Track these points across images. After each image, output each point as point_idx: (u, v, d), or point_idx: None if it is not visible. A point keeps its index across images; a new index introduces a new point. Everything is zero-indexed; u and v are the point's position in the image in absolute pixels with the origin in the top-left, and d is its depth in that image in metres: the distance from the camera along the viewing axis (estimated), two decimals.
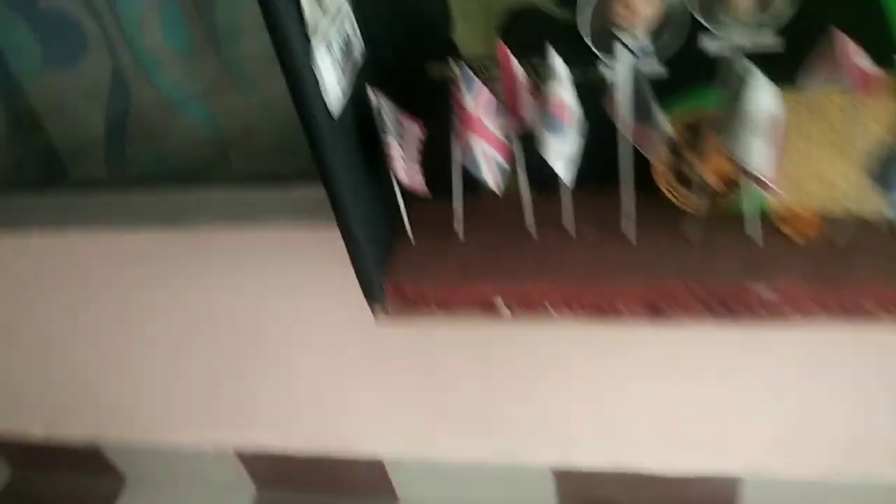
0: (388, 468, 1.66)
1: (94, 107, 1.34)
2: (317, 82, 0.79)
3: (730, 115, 0.81)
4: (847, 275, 0.89)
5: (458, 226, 1.03)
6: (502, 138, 0.89)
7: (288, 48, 0.74)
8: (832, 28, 0.81)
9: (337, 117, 0.82)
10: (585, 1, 0.85)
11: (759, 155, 0.80)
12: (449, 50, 0.94)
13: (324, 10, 0.80)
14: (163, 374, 1.55)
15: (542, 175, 0.91)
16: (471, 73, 0.84)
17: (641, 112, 0.85)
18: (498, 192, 0.91)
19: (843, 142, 0.91)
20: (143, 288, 1.39)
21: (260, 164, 1.30)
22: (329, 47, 0.81)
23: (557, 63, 0.82)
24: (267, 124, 1.28)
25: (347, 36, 0.87)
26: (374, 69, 0.96)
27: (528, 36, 0.92)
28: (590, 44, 0.89)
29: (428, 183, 0.96)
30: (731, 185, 0.95)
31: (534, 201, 0.98)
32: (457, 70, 0.85)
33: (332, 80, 0.81)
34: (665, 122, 0.86)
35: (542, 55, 0.93)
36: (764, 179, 0.81)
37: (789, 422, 1.33)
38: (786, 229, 0.95)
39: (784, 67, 0.87)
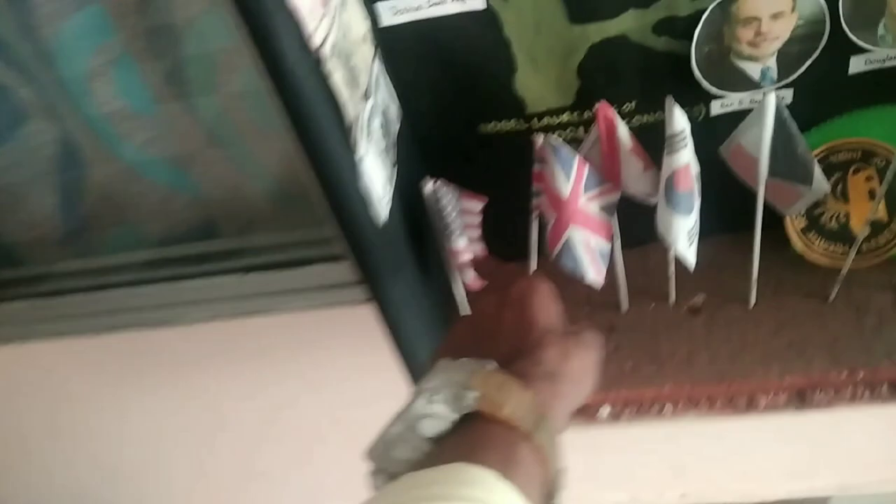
0: None
1: (43, 184, 1.09)
2: (363, 197, 0.56)
3: None
4: None
5: None
6: (604, 218, 0.67)
7: (329, 165, 0.52)
8: None
9: (384, 226, 0.60)
10: (705, 26, 0.63)
11: None
12: (508, 104, 0.71)
13: (358, 88, 0.57)
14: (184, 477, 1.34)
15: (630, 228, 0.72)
16: (565, 148, 0.62)
17: (786, 167, 0.64)
18: (601, 285, 0.70)
19: None
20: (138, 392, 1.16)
21: (258, 234, 1.07)
22: (370, 137, 0.58)
23: (678, 117, 0.60)
24: (261, 187, 1.04)
25: (386, 107, 0.64)
26: (411, 128, 0.73)
27: (616, 76, 0.69)
28: (702, 80, 0.67)
29: (496, 249, 0.75)
30: (881, 229, 0.75)
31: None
32: (543, 142, 0.62)
33: (379, 181, 0.59)
34: (822, 179, 0.65)
35: (638, 98, 0.71)
36: None
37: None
38: None
39: None
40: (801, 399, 0.76)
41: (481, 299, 0.49)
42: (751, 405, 0.76)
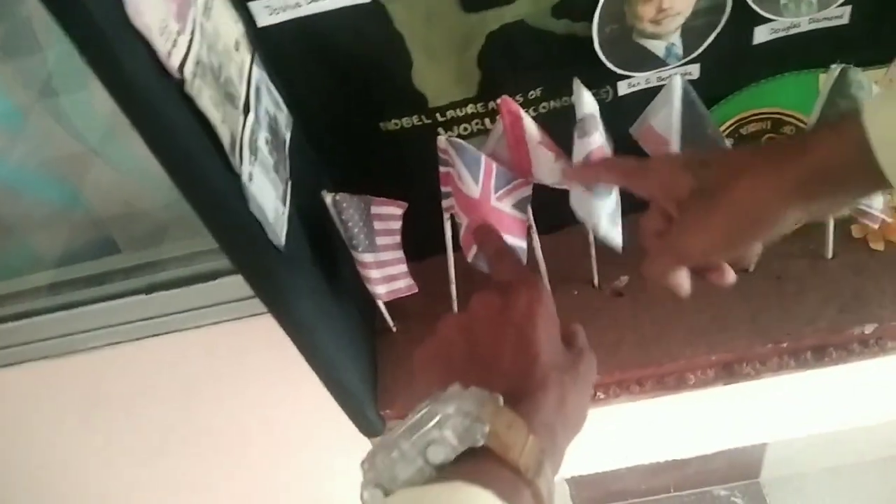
0: None
1: None
2: (256, 222, 0.51)
3: None
4: None
5: (454, 305, 0.79)
6: (518, 215, 0.64)
7: (207, 194, 0.46)
8: None
9: (284, 246, 0.55)
10: (605, 6, 0.60)
11: None
12: (408, 99, 0.67)
13: (235, 103, 0.51)
14: None
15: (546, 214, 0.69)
16: (470, 148, 0.58)
17: (697, 146, 0.62)
18: None
19: None
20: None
21: (159, 248, 0.99)
22: (256, 155, 0.53)
23: (587, 100, 0.57)
24: (152, 195, 0.97)
25: (273, 118, 0.59)
26: (305, 135, 0.68)
27: (519, 63, 0.66)
28: (606, 61, 0.64)
29: (411, 248, 0.72)
30: None
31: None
32: (446, 143, 0.58)
33: (270, 201, 0.54)
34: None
35: (544, 84, 0.68)
36: (876, 214, 0.61)
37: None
38: (860, 235, 0.76)
39: (864, 44, 0.66)
40: (729, 373, 0.76)
41: (480, 304, 0.45)
42: (680, 383, 0.76)
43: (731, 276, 0.50)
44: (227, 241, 0.50)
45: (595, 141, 0.58)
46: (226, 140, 0.48)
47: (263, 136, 0.55)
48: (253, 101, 0.55)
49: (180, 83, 0.43)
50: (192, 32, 0.46)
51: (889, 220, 0.63)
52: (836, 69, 0.56)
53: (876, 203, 0.61)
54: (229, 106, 0.50)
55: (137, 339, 0.91)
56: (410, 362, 0.77)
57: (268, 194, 0.53)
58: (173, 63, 0.43)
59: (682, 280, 0.49)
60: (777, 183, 0.40)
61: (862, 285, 0.74)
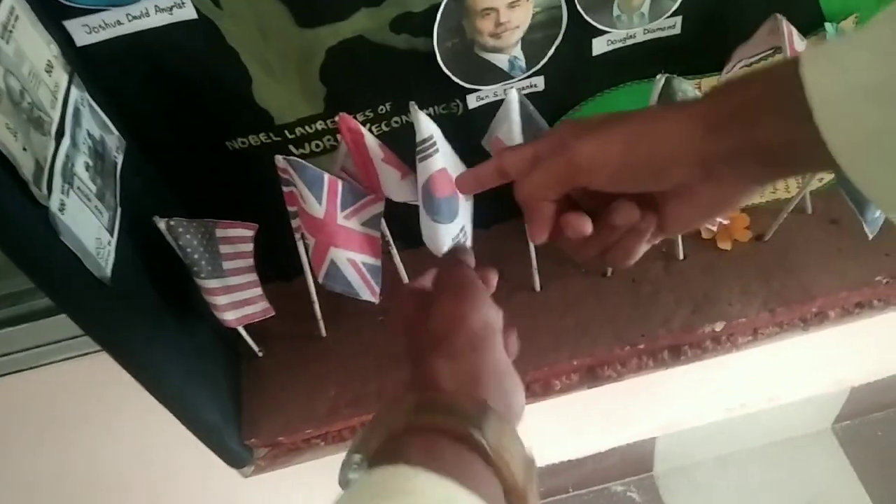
0: None
1: None
2: (71, 254, 0.48)
3: None
4: (794, 283, 0.76)
5: (320, 324, 0.78)
6: (368, 231, 0.63)
7: (5, 227, 0.43)
8: (758, 9, 0.64)
9: (112, 278, 0.52)
10: (443, 21, 0.60)
11: None
12: (252, 117, 0.65)
13: (43, 128, 0.48)
14: None
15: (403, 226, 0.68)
16: (309, 168, 0.57)
17: None
18: (377, 301, 0.66)
19: None
20: None
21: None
22: (71, 181, 0.50)
23: (424, 123, 0.57)
24: None
25: (97, 141, 0.56)
26: (146, 158, 0.65)
27: (363, 79, 0.65)
28: (451, 75, 0.65)
29: (268, 269, 0.70)
30: None
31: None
32: (285, 164, 0.57)
33: (90, 229, 0.51)
34: None
35: (392, 98, 0.67)
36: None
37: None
38: (709, 236, 0.80)
39: (693, 52, 0.69)
40: (593, 377, 0.77)
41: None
42: (547, 390, 0.77)
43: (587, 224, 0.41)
44: (38, 276, 0.47)
45: (436, 163, 0.57)
46: (27, 169, 0.45)
47: (82, 161, 0.52)
48: (69, 125, 0.52)
49: None
50: None
51: (725, 222, 0.66)
52: (661, 79, 0.59)
53: None
54: (35, 132, 0.47)
55: None
56: (278, 387, 0.75)
57: (87, 223, 0.50)
58: None
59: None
60: (684, 114, 0.35)
61: (712, 284, 0.77)
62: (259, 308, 0.67)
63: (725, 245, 0.79)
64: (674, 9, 0.65)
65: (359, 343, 0.78)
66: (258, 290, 0.68)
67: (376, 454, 0.35)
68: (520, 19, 0.63)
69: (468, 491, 0.31)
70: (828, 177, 0.79)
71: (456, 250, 0.48)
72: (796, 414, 1.56)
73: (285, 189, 0.60)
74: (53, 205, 0.47)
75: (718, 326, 0.74)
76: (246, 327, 0.70)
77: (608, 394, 0.83)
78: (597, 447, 1.36)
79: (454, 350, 0.40)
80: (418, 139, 0.57)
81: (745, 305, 0.75)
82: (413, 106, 0.56)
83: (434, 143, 0.57)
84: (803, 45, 0.63)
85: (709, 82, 0.72)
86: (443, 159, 0.58)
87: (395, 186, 0.62)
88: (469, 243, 0.64)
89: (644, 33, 0.68)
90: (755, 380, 1.04)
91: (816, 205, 0.80)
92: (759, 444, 1.60)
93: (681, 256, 0.78)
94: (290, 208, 0.62)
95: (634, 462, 1.54)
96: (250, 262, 0.67)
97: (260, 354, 0.77)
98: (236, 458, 0.72)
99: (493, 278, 0.47)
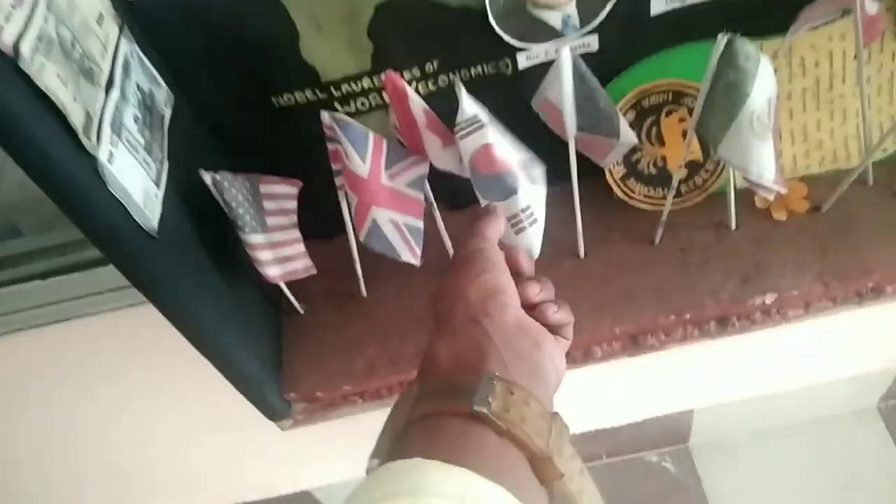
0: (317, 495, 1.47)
1: None
2: (119, 205, 0.49)
3: (722, 112, 0.59)
4: (853, 258, 0.73)
5: (361, 284, 0.78)
6: (412, 193, 0.63)
7: (53, 178, 0.44)
8: None
9: (158, 230, 0.53)
10: None
11: (761, 159, 0.60)
12: (299, 73, 0.64)
13: (93, 79, 0.48)
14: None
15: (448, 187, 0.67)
16: (354, 125, 0.56)
17: (592, 121, 0.61)
18: (417, 264, 0.66)
19: (835, 93, 0.72)
20: None
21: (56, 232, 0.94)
22: (120, 133, 0.50)
23: (467, 103, 0.55)
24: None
25: (146, 95, 0.56)
26: (193, 112, 0.65)
27: (412, 36, 0.64)
28: (502, 33, 0.63)
29: (310, 226, 0.70)
30: (697, 168, 0.75)
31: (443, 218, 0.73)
32: (330, 120, 0.56)
33: (139, 182, 0.51)
34: (628, 131, 0.63)
35: (440, 56, 0.66)
36: (769, 186, 0.61)
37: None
38: (764, 205, 0.77)
39: (758, 13, 0.66)
40: (635, 344, 0.76)
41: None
42: (588, 356, 0.76)
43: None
44: (86, 225, 0.47)
45: (479, 139, 0.55)
46: (77, 119, 0.45)
47: (132, 113, 0.52)
48: (119, 77, 0.52)
49: (13, 62, 0.40)
50: (34, 7, 0.43)
51: (783, 191, 0.63)
52: (722, 39, 0.56)
53: (767, 174, 0.61)
54: (85, 82, 0.47)
55: (37, 326, 0.88)
56: (317, 343, 0.76)
57: (135, 175, 0.51)
58: (5, 40, 0.40)
59: None
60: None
61: (763, 255, 0.74)
62: (301, 265, 0.68)
63: (780, 215, 0.76)
64: None
65: (398, 304, 0.78)
66: (301, 248, 0.68)
67: (388, 454, 0.34)
68: None
69: (474, 473, 0.30)
70: (893, 146, 0.76)
71: (478, 217, 0.46)
72: (841, 391, 1.52)
73: (330, 146, 0.59)
74: (102, 155, 0.47)
75: (769, 299, 0.72)
76: (287, 284, 0.71)
77: (649, 364, 0.82)
78: (634, 417, 1.35)
79: (454, 326, 0.39)
80: (459, 118, 0.55)
81: (797, 277, 0.72)
82: (459, 86, 0.55)
83: (479, 122, 0.55)
84: (875, 6, 0.60)
85: (771, 45, 0.69)
86: (489, 135, 0.56)
87: (438, 154, 0.60)
88: (536, 229, 0.61)
89: None
90: (803, 355, 1.02)
91: (879, 176, 0.77)
92: (799, 421, 1.57)
93: (733, 226, 0.76)
94: (335, 166, 0.61)
95: (671, 433, 1.53)
96: (294, 218, 0.67)
97: (301, 311, 0.77)
98: (275, 411, 0.73)
99: (520, 256, 0.45)
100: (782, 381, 1.13)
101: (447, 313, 0.40)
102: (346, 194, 0.64)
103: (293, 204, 0.66)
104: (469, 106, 0.54)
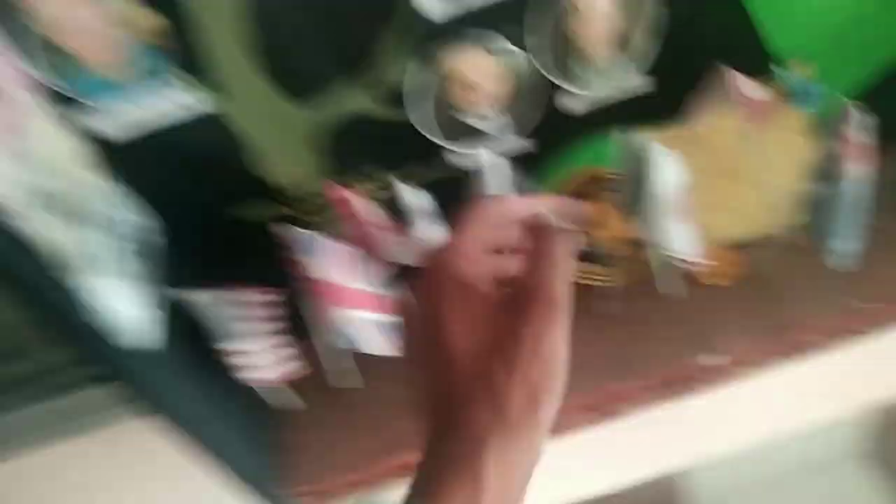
0: None
1: None
2: (109, 330, 0.54)
3: (635, 197, 0.66)
4: (787, 314, 0.79)
5: (356, 375, 0.82)
6: (375, 290, 0.69)
7: (51, 312, 0.50)
8: (713, 62, 0.69)
9: (149, 347, 0.58)
10: (417, 95, 0.67)
11: (678, 236, 0.67)
12: (267, 192, 0.72)
13: (77, 218, 0.55)
14: None
15: None
16: (309, 235, 0.63)
17: None
18: (389, 354, 0.71)
19: (740, 167, 0.80)
20: None
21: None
22: (104, 264, 0.56)
23: (405, 195, 0.62)
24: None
25: (128, 224, 0.62)
26: (170, 237, 0.71)
27: (363, 149, 0.72)
28: (437, 139, 0.71)
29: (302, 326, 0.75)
30: (636, 245, 0.82)
31: None
32: (286, 233, 0.63)
33: (125, 306, 0.57)
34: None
35: (388, 166, 0.74)
36: (689, 259, 0.68)
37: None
38: (700, 275, 0.84)
39: (660, 105, 0.74)
40: (600, 414, 0.81)
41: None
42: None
43: None
44: (83, 349, 0.53)
45: (426, 232, 0.63)
46: (63, 255, 0.51)
47: (115, 244, 0.59)
48: (102, 213, 0.58)
49: None
50: (16, 160, 0.50)
51: (704, 263, 0.70)
52: (623, 136, 0.64)
53: (685, 249, 0.68)
54: (68, 221, 0.54)
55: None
56: (317, 437, 0.80)
57: (122, 298, 0.57)
58: None
59: None
60: None
61: (704, 320, 0.81)
62: (289, 367, 0.72)
63: (718, 281, 0.82)
64: (635, 66, 0.71)
65: (395, 389, 0.82)
66: (286, 351, 0.73)
67: None
68: (494, 86, 0.69)
69: None
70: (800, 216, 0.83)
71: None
72: (819, 440, 1.56)
73: (292, 257, 0.66)
74: (90, 285, 0.53)
75: (716, 360, 0.78)
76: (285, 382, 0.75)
77: (610, 433, 0.86)
78: (613, 485, 1.37)
79: (510, 415, 0.31)
80: (403, 211, 0.63)
81: (739, 336, 0.78)
82: (393, 180, 0.62)
83: (419, 212, 0.62)
84: (759, 92, 0.68)
85: (678, 131, 0.77)
86: (430, 228, 0.63)
87: (394, 250, 0.67)
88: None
89: (607, 91, 0.73)
90: (761, 411, 1.06)
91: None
92: (783, 472, 1.59)
93: (681, 294, 0.82)
94: (297, 274, 0.67)
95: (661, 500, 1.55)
96: (276, 325, 0.72)
97: (299, 407, 0.81)
98: None
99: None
100: (750, 436, 1.17)
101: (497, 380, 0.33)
102: (313, 298, 0.70)
103: (273, 311, 0.71)
104: (407, 196, 0.61)
